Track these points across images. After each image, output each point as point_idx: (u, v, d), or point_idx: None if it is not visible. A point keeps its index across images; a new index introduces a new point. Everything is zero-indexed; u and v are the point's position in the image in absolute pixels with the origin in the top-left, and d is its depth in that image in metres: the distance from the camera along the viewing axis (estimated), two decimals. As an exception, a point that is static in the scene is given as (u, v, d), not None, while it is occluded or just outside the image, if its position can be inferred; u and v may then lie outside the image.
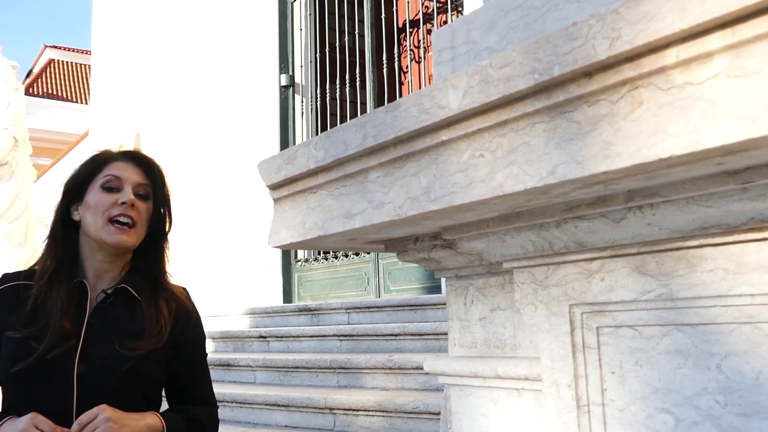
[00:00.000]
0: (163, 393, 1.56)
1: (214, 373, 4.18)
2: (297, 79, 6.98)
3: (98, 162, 1.50)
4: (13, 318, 1.39)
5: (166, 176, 1.57)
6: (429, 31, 6.40)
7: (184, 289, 1.61)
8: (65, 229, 1.49)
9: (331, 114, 6.70)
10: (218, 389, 3.71)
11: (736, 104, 0.58)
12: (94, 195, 1.45)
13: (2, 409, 1.41)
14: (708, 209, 0.74)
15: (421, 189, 0.89)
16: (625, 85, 0.66)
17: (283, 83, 6.89)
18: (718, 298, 0.78)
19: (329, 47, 6.72)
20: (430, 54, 6.49)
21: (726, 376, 0.78)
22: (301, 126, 6.89)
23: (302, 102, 6.89)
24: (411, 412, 2.80)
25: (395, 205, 0.93)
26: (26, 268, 1.53)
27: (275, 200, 1.17)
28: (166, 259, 1.57)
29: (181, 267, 8.05)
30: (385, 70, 6.03)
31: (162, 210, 1.54)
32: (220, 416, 3.91)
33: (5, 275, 1.53)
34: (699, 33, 0.60)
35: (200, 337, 1.61)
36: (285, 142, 6.83)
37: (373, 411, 2.94)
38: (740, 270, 0.76)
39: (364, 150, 0.95)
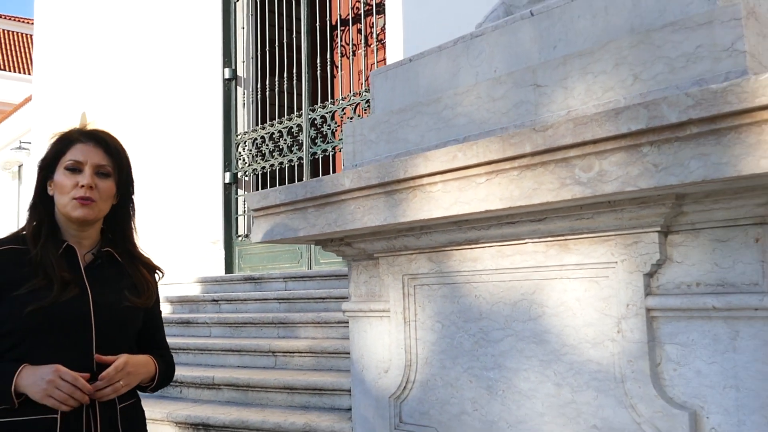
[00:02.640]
0: None
1: (175, 329, 5.09)
2: (239, 73, 7.71)
3: (64, 144, 1.64)
4: (16, 276, 1.52)
5: (126, 154, 1.71)
6: (359, 30, 7.22)
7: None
8: (44, 201, 1.65)
9: (270, 104, 7.50)
10: (181, 340, 4.66)
11: (444, 202, 1.59)
12: (60, 176, 1.61)
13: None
14: (449, 235, 1.76)
15: (333, 220, 1.88)
16: (411, 188, 1.67)
17: (227, 76, 7.62)
18: (458, 272, 1.81)
19: (269, 43, 7.44)
20: (359, 51, 7.36)
21: (460, 305, 1.81)
22: (243, 116, 7.66)
23: (244, 94, 7.63)
24: (333, 353, 3.82)
25: (320, 226, 1.91)
26: (9, 235, 1.66)
27: (255, 217, 2.13)
28: (133, 229, 1.76)
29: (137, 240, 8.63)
30: (318, 65, 6.84)
31: (125, 185, 1.70)
32: (183, 361, 4.90)
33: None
34: (432, 174, 1.60)
35: (158, 295, 1.84)
36: (228, 129, 7.60)
37: (305, 353, 3.95)
38: (464, 260, 1.79)
39: (305, 198, 1.93)
